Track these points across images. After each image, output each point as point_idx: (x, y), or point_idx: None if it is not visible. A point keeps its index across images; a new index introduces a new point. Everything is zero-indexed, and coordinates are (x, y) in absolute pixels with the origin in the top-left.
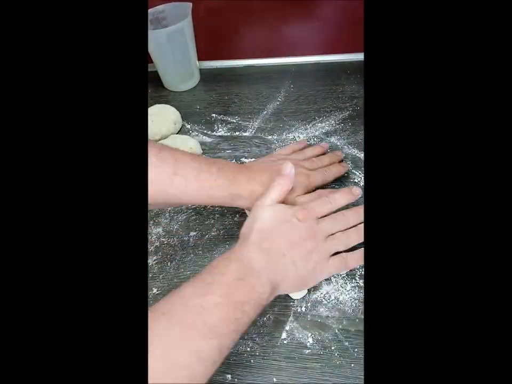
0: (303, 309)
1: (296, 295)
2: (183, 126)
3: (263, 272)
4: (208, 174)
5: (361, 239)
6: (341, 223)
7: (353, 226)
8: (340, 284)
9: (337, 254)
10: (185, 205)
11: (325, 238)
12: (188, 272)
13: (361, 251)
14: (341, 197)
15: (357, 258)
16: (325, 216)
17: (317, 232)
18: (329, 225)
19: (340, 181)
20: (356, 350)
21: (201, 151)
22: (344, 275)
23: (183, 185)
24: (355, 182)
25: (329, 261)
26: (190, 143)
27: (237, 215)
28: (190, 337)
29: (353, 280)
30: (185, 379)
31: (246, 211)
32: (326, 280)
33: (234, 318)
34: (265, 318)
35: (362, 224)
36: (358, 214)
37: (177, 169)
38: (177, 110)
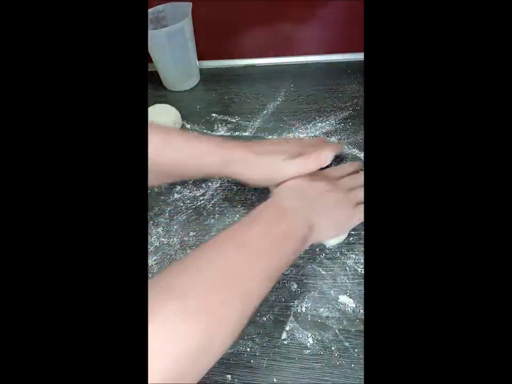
0: (303, 309)
1: (332, 242)
2: (183, 125)
3: (298, 213)
4: (198, 142)
5: None
6: (359, 180)
7: None
8: (341, 282)
9: None
10: (177, 179)
11: (348, 190)
12: None
13: None
14: (351, 165)
15: None
16: None
17: (339, 186)
18: (348, 181)
19: None
20: (356, 350)
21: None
22: (345, 274)
23: (174, 155)
24: None
25: (356, 208)
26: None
27: (237, 215)
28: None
29: (354, 280)
30: (236, 293)
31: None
32: (326, 280)
33: (281, 245)
34: (265, 318)
35: None
36: None
37: (167, 140)
38: (177, 110)
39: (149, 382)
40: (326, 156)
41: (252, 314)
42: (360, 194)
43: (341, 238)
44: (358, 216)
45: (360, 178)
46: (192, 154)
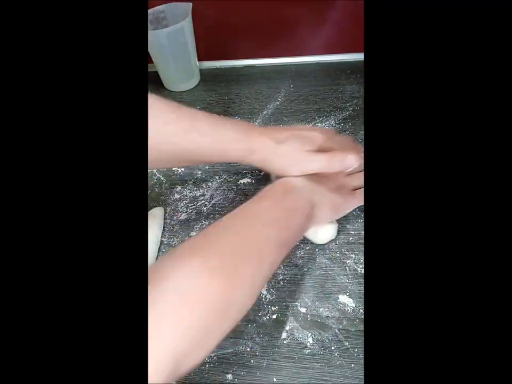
0: (303, 309)
1: (324, 238)
2: None
3: (302, 191)
4: (223, 129)
5: None
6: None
7: None
8: (341, 282)
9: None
10: (201, 164)
11: (346, 175)
12: None
13: None
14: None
15: None
16: None
17: (337, 172)
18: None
19: None
20: (356, 350)
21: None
22: (345, 274)
23: (198, 139)
24: None
25: (353, 193)
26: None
27: None
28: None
29: (354, 280)
30: (258, 259)
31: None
32: (326, 279)
33: (290, 216)
34: (265, 318)
35: None
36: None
37: (193, 124)
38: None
39: (175, 331)
40: (352, 160)
41: (267, 280)
42: (357, 180)
43: (333, 234)
44: (355, 201)
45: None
46: (216, 141)
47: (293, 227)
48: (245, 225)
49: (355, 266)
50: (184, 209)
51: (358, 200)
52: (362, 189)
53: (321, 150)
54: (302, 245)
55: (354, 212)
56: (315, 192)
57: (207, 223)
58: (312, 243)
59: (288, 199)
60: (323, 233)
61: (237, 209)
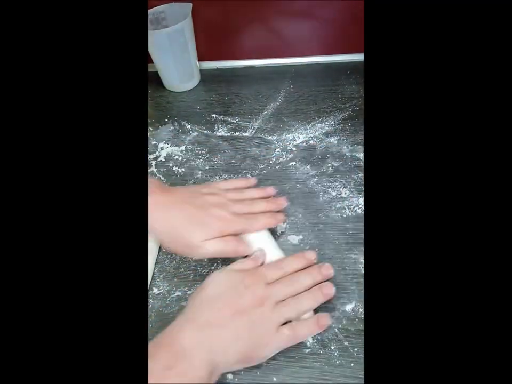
0: None
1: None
2: (183, 126)
3: (197, 352)
4: None
5: (316, 304)
6: (292, 286)
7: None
8: (341, 282)
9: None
10: None
11: (274, 306)
12: (188, 272)
13: (314, 318)
14: (295, 260)
15: (309, 328)
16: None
17: (264, 299)
18: (279, 291)
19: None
20: (356, 349)
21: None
22: (345, 274)
23: None
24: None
25: (277, 332)
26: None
27: None
28: None
29: (354, 280)
30: None
31: None
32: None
33: None
34: None
35: (317, 287)
36: (310, 275)
37: None
38: (177, 110)
39: None
40: (247, 249)
41: None
42: (288, 312)
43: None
44: (277, 344)
45: (297, 284)
46: None
47: None
48: None
49: (355, 266)
50: None
51: (283, 342)
52: (289, 325)
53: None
54: (301, 245)
55: (354, 212)
56: (216, 344)
57: None
58: (310, 243)
59: (171, 378)
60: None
61: None
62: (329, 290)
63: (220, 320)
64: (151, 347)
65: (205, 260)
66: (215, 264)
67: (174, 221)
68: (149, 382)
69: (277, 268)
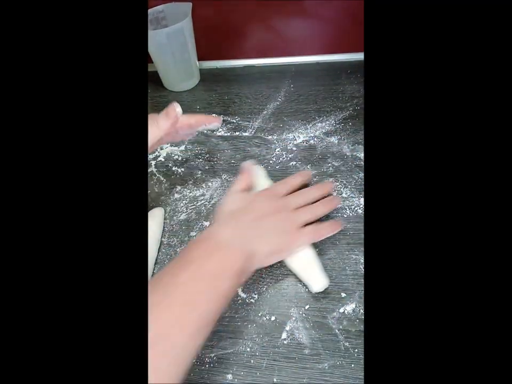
0: (303, 308)
1: (316, 287)
2: None
3: (232, 242)
4: None
5: (330, 209)
6: (305, 197)
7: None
8: (341, 282)
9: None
10: None
11: (292, 210)
12: None
13: (332, 220)
14: (297, 178)
15: (329, 226)
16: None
17: (281, 206)
18: (294, 199)
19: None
20: (356, 350)
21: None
22: (345, 274)
23: None
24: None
25: (300, 231)
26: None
27: None
28: (170, 307)
29: (354, 280)
30: (168, 347)
31: None
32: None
33: (212, 287)
34: (265, 318)
35: (330, 197)
36: (322, 189)
37: None
38: None
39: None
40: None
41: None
42: (305, 215)
43: (325, 283)
44: (302, 239)
45: (307, 195)
46: None
47: (219, 296)
48: (158, 314)
49: (355, 266)
50: (184, 209)
51: (307, 237)
52: (312, 225)
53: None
54: None
55: (354, 212)
56: (250, 238)
57: (207, 223)
58: (311, 243)
59: (211, 262)
60: (314, 284)
61: (157, 276)
62: (338, 200)
63: (246, 224)
64: (191, 242)
65: None
66: None
67: None
68: (190, 272)
69: (284, 183)
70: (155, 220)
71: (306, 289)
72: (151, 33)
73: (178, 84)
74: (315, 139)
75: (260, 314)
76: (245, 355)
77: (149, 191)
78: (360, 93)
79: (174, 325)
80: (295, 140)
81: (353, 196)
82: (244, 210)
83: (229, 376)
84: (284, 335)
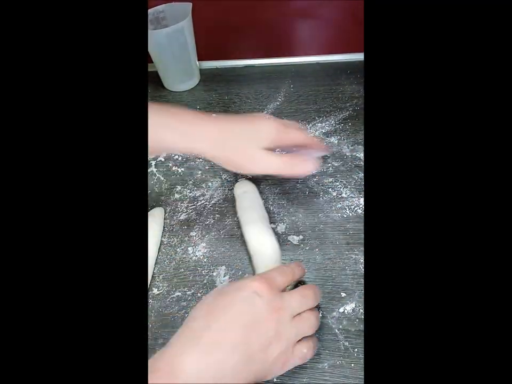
0: None
1: None
2: None
3: (202, 381)
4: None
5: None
6: (310, 299)
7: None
8: (341, 282)
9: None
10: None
11: (291, 320)
12: (188, 272)
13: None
14: (299, 267)
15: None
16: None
17: (281, 311)
18: (297, 302)
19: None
20: (356, 350)
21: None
22: (345, 274)
23: None
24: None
25: (294, 349)
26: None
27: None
28: None
29: (354, 280)
30: None
31: None
32: (327, 279)
33: None
34: None
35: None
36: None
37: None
38: None
39: None
40: (310, 167)
41: None
42: (305, 325)
43: None
44: (294, 362)
45: (312, 296)
46: (152, 130)
47: None
48: None
49: (355, 266)
50: (184, 209)
51: (300, 359)
52: (309, 341)
53: (275, 144)
54: (301, 245)
55: (354, 212)
56: (223, 368)
57: (207, 223)
58: (310, 243)
59: None
60: None
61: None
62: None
63: (229, 342)
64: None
65: (204, 260)
66: (215, 264)
67: None
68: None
69: (288, 272)
70: (155, 220)
71: None
72: (151, 33)
73: (178, 84)
74: None
75: None
76: None
77: (149, 191)
78: (360, 93)
79: None
80: None
81: (353, 195)
82: (234, 313)
83: None
84: None
